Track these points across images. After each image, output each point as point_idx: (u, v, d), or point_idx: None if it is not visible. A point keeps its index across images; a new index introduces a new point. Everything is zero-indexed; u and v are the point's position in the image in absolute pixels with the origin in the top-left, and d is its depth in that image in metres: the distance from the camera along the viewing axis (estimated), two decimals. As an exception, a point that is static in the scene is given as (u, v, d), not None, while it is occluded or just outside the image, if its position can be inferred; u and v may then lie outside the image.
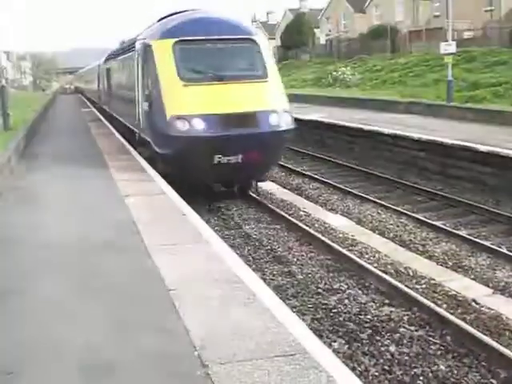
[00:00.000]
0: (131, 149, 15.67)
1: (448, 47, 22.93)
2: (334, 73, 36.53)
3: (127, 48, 17.20)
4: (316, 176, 16.67)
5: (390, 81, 31.60)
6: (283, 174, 17.47)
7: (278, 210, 12.64)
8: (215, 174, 12.15)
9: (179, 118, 11.62)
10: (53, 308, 5.18)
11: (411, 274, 9.08)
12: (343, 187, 15.05)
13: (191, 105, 11.89)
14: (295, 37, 52.87)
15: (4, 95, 19.47)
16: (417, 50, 35.83)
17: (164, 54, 12.24)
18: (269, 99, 12.36)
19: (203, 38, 12.31)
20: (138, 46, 14.18)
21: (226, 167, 11.97)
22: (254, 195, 13.56)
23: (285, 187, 15.58)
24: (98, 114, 30.51)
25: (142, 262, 6.29)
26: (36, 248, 6.88)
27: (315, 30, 57.68)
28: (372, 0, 55.16)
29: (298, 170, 17.76)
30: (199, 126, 11.59)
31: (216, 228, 10.94)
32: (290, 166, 18.26)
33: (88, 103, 43.31)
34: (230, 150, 11.83)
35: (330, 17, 61.33)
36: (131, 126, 15.99)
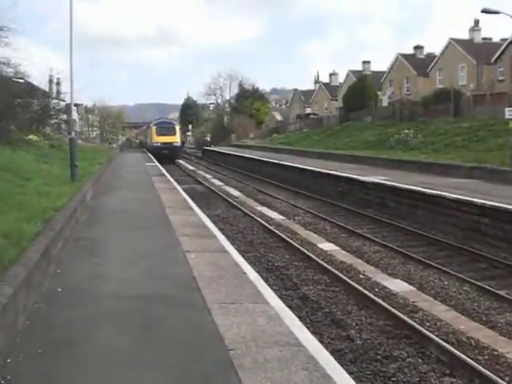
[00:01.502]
0: (193, 204, 16.05)
1: (513, 112, 22.68)
2: (397, 135, 36.49)
3: (148, 126, 69.12)
4: (377, 239, 16.47)
5: (452, 145, 31.36)
6: (343, 235, 17.36)
7: (337, 272, 12.55)
8: (162, 156, 49.33)
9: (154, 142, 56.09)
10: (114, 358, 5.25)
11: (473, 344, 8.82)
12: (404, 251, 14.82)
13: (157, 140, 55.70)
14: (357, 99, 53.09)
15: (73, 147, 20.10)
16: (480, 114, 35.49)
17: (153, 129, 57.50)
18: (176, 139, 56.66)
19: (163, 125, 58.60)
20: (150, 125, 62.97)
21: (165, 154, 51.67)
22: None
23: (344, 249, 15.47)
24: (162, 168, 31.29)
25: (202, 318, 6.32)
26: (98, 299, 6.99)
27: (377, 93, 57.90)
28: (435, 64, 55.42)
29: (358, 231, 17.61)
30: (158, 144, 55.15)
31: (274, 287, 10.89)
32: (350, 228, 18.15)
33: (151, 157, 44.73)
34: (165, 149, 53.61)
35: (393, 79, 61.74)
36: (147, 147, 65.77)
